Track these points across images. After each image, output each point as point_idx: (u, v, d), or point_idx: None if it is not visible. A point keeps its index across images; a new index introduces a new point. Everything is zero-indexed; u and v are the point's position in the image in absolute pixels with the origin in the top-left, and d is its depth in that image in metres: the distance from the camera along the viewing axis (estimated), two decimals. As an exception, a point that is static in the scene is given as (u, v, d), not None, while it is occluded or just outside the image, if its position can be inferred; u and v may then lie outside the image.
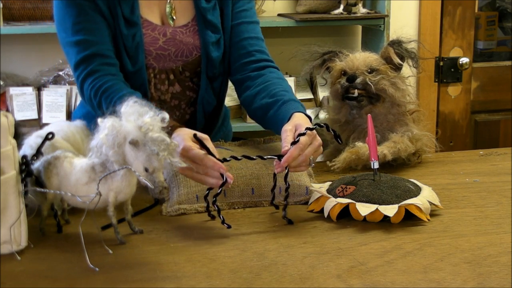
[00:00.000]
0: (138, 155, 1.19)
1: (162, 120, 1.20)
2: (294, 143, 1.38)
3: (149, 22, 1.73)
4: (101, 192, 1.23)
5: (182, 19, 1.78)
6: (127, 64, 1.69)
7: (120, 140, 1.19)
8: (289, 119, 1.52)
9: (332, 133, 1.43)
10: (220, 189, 1.36)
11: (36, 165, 1.29)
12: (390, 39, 3.00)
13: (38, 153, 1.30)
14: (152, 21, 1.73)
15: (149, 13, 1.74)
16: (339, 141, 1.41)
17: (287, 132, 1.45)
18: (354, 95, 1.74)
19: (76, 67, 1.66)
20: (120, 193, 1.25)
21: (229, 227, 1.34)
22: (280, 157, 1.39)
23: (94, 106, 1.64)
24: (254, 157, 1.40)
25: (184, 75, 1.78)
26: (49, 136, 1.30)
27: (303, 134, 1.39)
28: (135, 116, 1.19)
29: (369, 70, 1.74)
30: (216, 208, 1.37)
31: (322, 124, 1.43)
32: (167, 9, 1.76)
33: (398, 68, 1.77)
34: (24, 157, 1.26)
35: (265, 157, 1.40)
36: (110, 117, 1.21)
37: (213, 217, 1.40)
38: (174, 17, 1.76)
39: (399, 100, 1.76)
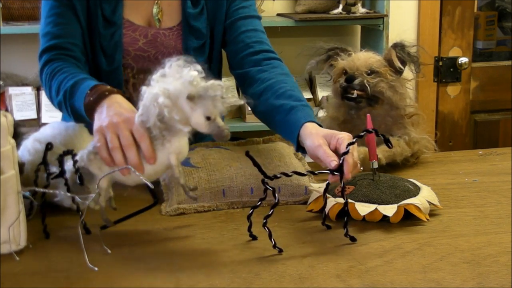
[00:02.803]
0: (195, 108, 1.21)
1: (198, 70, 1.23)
2: (341, 159, 1.32)
3: (131, 22, 1.72)
4: (161, 157, 1.26)
5: (169, 22, 1.76)
6: (102, 63, 1.69)
7: (177, 101, 1.21)
8: (299, 129, 1.49)
9: None
10: (271, 210, 1.27)
11: (70, 165, 1.30)
12: (391, 40, 3.03)
13: (45, 163, 1.32)
14: (134, 22, 1.72)
15: (134, 14, 1.73)
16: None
17: (322, 147, 1.40)
18: (352, 96, 1.74)
19: (39, 58, 1.69)
20: (180, 154, 1.27)
21: (280, 251, 1.25)
22: (332, 171, 1.33)
23: (48, 94, 1.65)
24: (305, 173, 1.35)
25: None
26: (48, 146, 1.32)
27: (347, 152, 1.32)
28: (180, 73, 1.22)
29: (368, 72, 1.74)
30: (267, 230, 1.26)
31: None
32: (154, 10, 1.74)
33: (399, 71, 1.77)
34: (61, 155, 1.31)
35: (316, 172, 1.35)
36: (153, 85, 1.24)
37: (254, 238, 1.31)
38: (161, 19, 1.75)
39: (397, 103, 1.76)
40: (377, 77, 1.74)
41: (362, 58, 1.77)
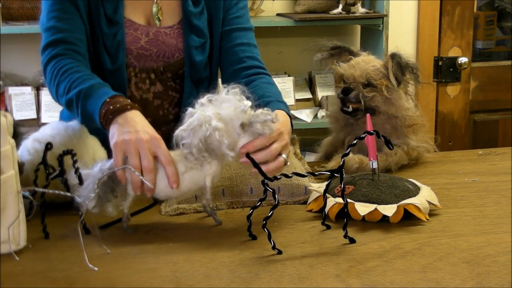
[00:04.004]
0: (243, 135, 1.30)
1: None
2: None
3: (132, 22, 1.72)
4: (197, 178, 1.31)
5: (169, 21, 1.76)
6: (106, 62, 1.69)
7: (227, 126, 1.28)
8: None
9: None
10: (271, 212, 1.28)
11: (107, 165, 1.32)
12: (391, 40, 3.03)
13: (45, 163, 1.33)
14: (135, 21, 1.73)
15: (134, 13, 1.73)
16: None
17: None
18: (348, 110, 1.75)
19: (42, 51, 1.66)
20: (215, 177, 1.33)
21: (279, 252, 1.25)
22: (332, 171, 1.33)
23: (53, 88, 1.61)
24: (305, 174, 1.35)
25: (166, 76, 1.77)
26: (48, 146, 1.33)
27: (347, 154, 1.32)
28: (233, 101, 1.29)
29: (366, 83, 1.73)
30: (267, 232, 1.27)
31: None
32: (154, 9, 1.75)
33: (396, 81, 1.74)
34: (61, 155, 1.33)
35: (316, 173, 1.34)
36: (204, 108, 1.30)
37: (254, 238, 1.32)
38: (161, 18, 1.75)
39: (394, 114, 1.74)
40: (373, 91, 1.72)
41: (360, 67, 1.74)
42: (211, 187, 1.33)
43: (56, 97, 1.62)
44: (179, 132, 1.31)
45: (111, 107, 1.42)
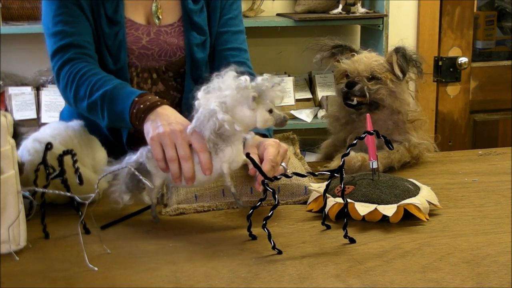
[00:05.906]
0: (257, 108, 1.27)
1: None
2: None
3: (132, 22, 1.73)
4: (214, 165, 1.31)
5: (168, 19, 1.78)
6: (108, 62, 1.70)
7: (235, 111, 1.27)
8: None
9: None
10: (271, 212, 1.28)
11: (133, 159, 1.34)
12: (391, 40, 3.03)
13: (45, 163, 1.33)
14: (136, 21, 1.74)
15: (134, 13, 1.74)
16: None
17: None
18: (353, 103, 1.74)
19: (52, 57, 1.67)
20: (232, 163, 1.32)
21: (279, 252, 1.24)
22: (332, 171, 1.32)
23: (71, 93, 1.62)
24: (305, 174, 1.34)
25: (168, 75, 1.78)
26: (48, 146, 1.33)
27: (347, 154, 1.31)
28: (234, 83, 1.27)
29: (370, 77, 1.73)
30: (267, 232, 1.26)
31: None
32: (153, 8, 1.76)
33: (402, 73, 1.75)
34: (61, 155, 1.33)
35: (316, 173, 1.34)
36: (209, 100, 1.28)
37: (254, 237, 1.31)
38: (160, 16, 1.76)
39: (398, 108, 1.74)
40: (378, 83, 1.72)
41: (364, 61, 1.74)
42: (229, 173, 1.33)
43: (74, 101, 1.62)
44: (190, 130, 1.31)
45: (142, 106, 1.45)
